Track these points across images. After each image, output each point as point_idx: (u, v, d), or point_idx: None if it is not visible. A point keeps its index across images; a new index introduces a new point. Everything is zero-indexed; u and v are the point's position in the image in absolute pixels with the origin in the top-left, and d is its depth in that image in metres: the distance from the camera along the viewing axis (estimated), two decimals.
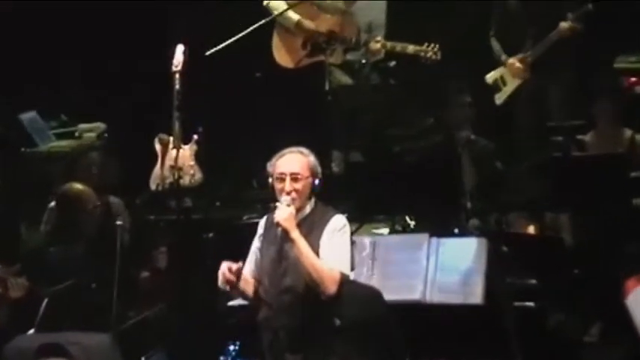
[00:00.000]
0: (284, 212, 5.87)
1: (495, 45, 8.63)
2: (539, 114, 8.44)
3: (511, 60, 8.52)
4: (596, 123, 8.13)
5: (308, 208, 6.01)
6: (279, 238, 5.94)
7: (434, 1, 9.14)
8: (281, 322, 5.88)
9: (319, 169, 6.04)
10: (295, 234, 5.86)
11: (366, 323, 5.99)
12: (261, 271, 6.03)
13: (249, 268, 6.12)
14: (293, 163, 5.98)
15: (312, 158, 6.03)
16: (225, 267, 5.93)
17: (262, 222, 6.14)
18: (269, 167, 6.03)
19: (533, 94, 8.50)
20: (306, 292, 5.86)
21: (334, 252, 5.92)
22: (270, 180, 6.02)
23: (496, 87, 8.60)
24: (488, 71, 8.66)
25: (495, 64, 8.64)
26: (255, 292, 6.06)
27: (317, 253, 5.90)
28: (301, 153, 6.04)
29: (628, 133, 8.12)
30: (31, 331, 6.92)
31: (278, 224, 5.86)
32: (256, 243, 6.13)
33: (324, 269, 5.84)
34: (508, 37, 8.56)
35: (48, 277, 7.08)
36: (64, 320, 6.92)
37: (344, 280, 5.89)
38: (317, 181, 6.01)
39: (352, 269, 6.11)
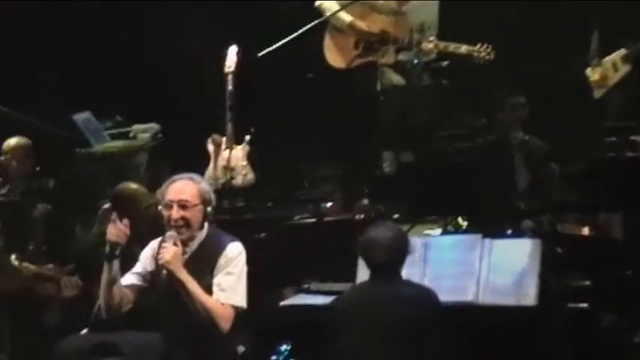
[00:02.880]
0: (168, 253, 5.70)
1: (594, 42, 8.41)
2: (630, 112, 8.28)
3: (611, 56, 8.28)
4: None
5: (199, 239, 5.83)
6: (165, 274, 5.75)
7: (487, 0, 9.08)
8: (178, 357, 5.74)
9: (212, 196, 5.86)
10: (182, 275, 5.69)
11: (417, 322, 5.97)
12: (156, 300, 5.87)
13: (131, 279, 5.95)
14: (182, 190, 5.80)
15: (203, 185, 5.86)
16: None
17: (154, 244, 5.95)
18: (158, 194, 5.91)
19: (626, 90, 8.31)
20: (201, 326, 5.71)
21: (226, 285, 5.75)
22: (159, 207, 5.85)
23: (600, 84, 8.39)
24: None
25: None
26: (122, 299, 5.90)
27: (210, 286, 5.74)
28: (191, 179, 5.86)
29: None
30: (85, 330, 6.98)
31: (163, 266, 5.71)
32: (150, 261, 5.93)
33: (216, 308, 5.70)
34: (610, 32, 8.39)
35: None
36: (118, 320, 6.96)
37: (240, 313, 5.76)
38: (209, 209, 5.83)
39: None
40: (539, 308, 6.72)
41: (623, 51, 8.25)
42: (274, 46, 8.20)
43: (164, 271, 5.73)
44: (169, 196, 5.80)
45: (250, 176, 8.14)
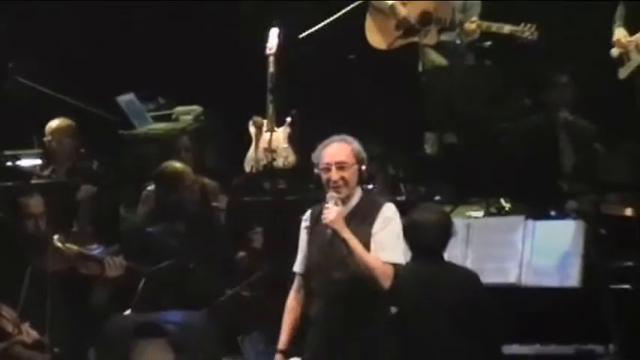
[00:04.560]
0: (332, 212, 5.79)
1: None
2: None
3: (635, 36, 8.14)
4: None
5: (356, 197, 5.93)
6: (329, 233, 5.84)
7: None
8: (333, 315, 5.81)
9: (364, 155, 5.97)
10: (346, 234, 5.78)
11: (462, 302, 5.97)
12: (311, 262, 5.95)
13: (301, 266, 6.03)
14: (338, 152, 5.91)
15: (356, 145, 5.96)
16: None
17: (307, 215, 6.05)
18: (314, 158, 5.97)
19: None
20: (357, 284, 5.78)
21: (386, 244, 5.83)
22: (315, 171, 5.96)
23: (620, 61, 8.32)
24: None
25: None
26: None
27: (368, 243, 5.83)
28: (345, 141, 5.97)
29: None
30: (128, 310, 7.02)
31: (327, 226, 5.79)
32: (303, 236, 6.04)
33: (378, 266, 5.78)
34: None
35: (146, 256, 7.18)
36: (162, 299, 7.01)
37: (399, 271, 5.82)
38: (363, 167, 5.95)
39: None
40: (582, 289, 6.69)
41: None
42: (315, 28, 8.18)
43: (328, 231, 5.82)
44: (326, 159, 5.92)
45: (292, 158, 8.16)
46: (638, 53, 8.15)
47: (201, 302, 6.75)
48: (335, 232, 5.79)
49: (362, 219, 5.87)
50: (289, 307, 6.05)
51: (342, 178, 5.86)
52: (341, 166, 5.88)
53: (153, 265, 7.01)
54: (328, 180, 5.88)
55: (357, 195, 5.94)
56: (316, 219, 5.95)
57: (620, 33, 8.17)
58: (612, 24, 8.26)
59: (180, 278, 7.03)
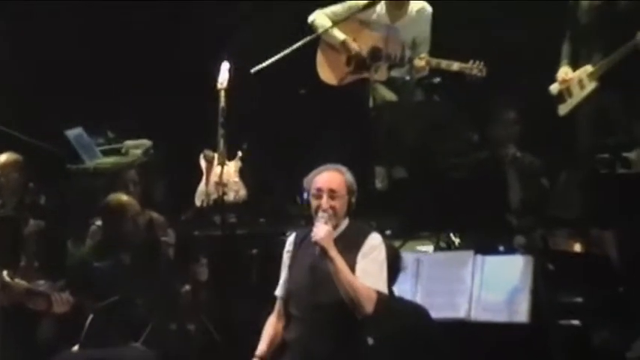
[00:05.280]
0: (322, 230, 5.82)
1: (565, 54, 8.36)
2: (602, 129, 8.23)
3: (576, 72, 8.19)
4: None
5: (343, 226, 5.96)
6: (316, 255, 5.86)
7: (478, 18, 9.10)
8: (314, 340, 5.80)
9: (355, 187, 6.00)
10: (333, 252, 5.80)
11: (412, 337, 5.97)
12: (293, 286, 5.96)
13: (282, 290, 6.05)
14: (331, 180, 5.94)
15: (349, 176, 5.99)
16: None
17: (291, 239, 6.09)
18: (305, 183, 6.00)
19: (597, 108, 8.27)
20: (340, 310, 5.79)
21: (371, 271, 5.85)
22: (305, 196, 5.99)
23: (560, 98, 8.40)
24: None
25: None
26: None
27: (353, 270, 5.84)
28: (338, 170, 6.00)
29: None
30: (76, 346, 6.96)
31: (316, 243, 5.81)
32: (285, 260, 6.06)
33: (362, 289, 5.78)
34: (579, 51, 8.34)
35: (93, 292, 7.12)
36: (109, 335, 6.95)
37: (382, 298, 5.84)
38: (353, 200, 5.97)
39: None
40: (531, 325, 6.72)
41: (589, 68, 8.19)
42: (267, 62, 8.20)
43: (317, 248, 5.81)
44: (318, 184, 5.94)
45: (242, 192, 8.15)
46: (581, 89, 8.23)
47: (148, 338, 6.70)
48: (323, 250, 5.80)
49: (348, 246, 5.88)
50: (269, 323, 6.03)
51: (332, 207, 5.89)
52: (332, 194, 5.90)
53: (100, 300, 6.96)
54: (318, 207, 5.90)
55: (345, 223, 5.97)
56: (299, 244, 5.99)
57: (563, 70, 8.26)
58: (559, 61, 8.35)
59: (127, 314, 6.98)
